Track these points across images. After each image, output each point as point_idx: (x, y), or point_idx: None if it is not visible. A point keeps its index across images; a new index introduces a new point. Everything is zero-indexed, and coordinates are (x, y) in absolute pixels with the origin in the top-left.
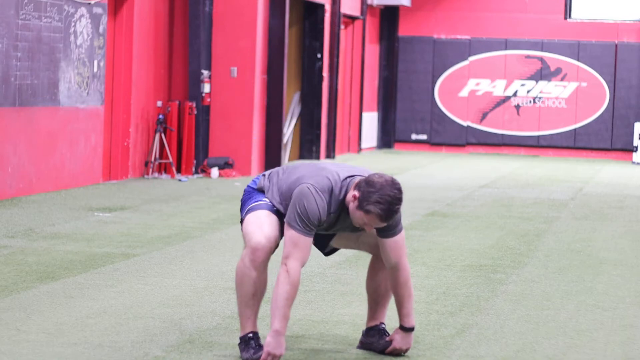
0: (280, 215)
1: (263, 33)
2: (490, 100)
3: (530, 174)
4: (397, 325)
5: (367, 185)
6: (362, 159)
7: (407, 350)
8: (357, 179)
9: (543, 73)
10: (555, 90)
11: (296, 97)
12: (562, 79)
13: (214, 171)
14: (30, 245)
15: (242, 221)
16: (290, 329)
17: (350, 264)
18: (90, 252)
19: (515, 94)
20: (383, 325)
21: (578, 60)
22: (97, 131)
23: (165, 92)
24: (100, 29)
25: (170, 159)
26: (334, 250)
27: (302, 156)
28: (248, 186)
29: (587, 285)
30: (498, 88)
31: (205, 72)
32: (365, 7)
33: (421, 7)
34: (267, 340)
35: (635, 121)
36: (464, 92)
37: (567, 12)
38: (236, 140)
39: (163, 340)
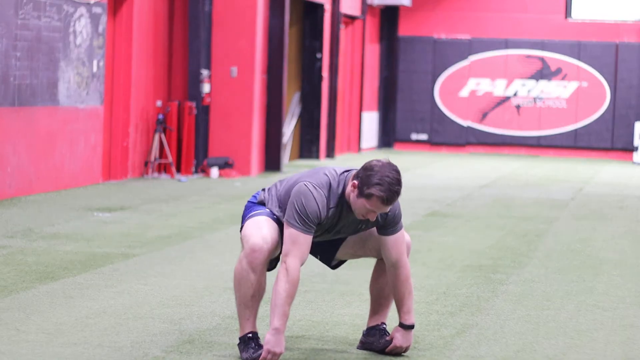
0: (280, 223)
1: (263, 33)
2: (491, 100)
3: (531, 174)
4: (397, 325)
5: (365, 170)
6: (362, 159)
7: (407, 348)
8: (354, 172)
9: (543, 73)
10: (555, 90)
11: (296, 97)
12: (562, 79)
13: (214, 171)
14: (30, 245)
15: (241, 229)
16: (290, 329)
17: (350, 264)
18: (89, 252)
19: (515, 94)
20: (384, 326)
21: (579, 60)
22: (96, 131)
23: (164, 92)
24: (100, 29)
25: (170, 159)
26: (341, 262)
27: (302, 156)
28: (248, 201)
29: (587, 286)
30: (498, 88)
31: (205, 72)
32: (365, 7)
33: (421, 7)
34: (267, 338)
35: (636, 121)
36: (464, 92)
37: (568, 12)
38: (236, 140)
39: (163, 340)
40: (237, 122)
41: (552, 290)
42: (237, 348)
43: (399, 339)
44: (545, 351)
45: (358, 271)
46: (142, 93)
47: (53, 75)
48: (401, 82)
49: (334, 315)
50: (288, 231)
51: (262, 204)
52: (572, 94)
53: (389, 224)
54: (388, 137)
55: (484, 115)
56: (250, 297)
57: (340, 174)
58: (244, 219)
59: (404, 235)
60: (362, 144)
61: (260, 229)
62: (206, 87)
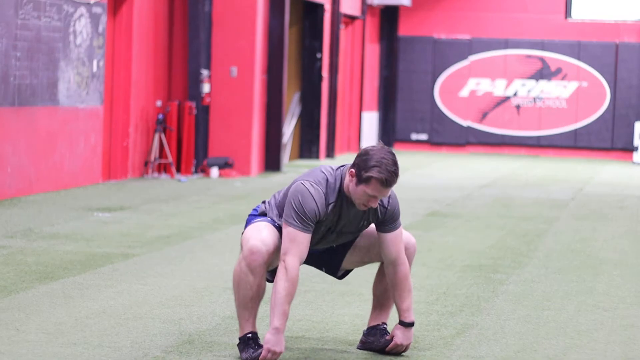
0: (281, 230)
1: (263, 33)
2: (491, 100)
3: (531, 174)
4: (397, 323)
5: (361, 156)
6: None
7: (408, 346)
8: (350, 164)
9: (543, 73)
10: (555, 90)
11: (296, 97)
12: (562, 79)
13: (214, 171)
14: (30, 245)
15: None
16: (290, 329)
17: None
18: (89, 252)
19: (515, 94)
20: (385, 326)
21: (579, 60)
22: (96, 131)
23: (164, 92)
24: (100, 29)
25: (170, 159)
26: (347, 272)
27: (302, 156)
28: (249, 215)
29: (587, 286)
30: (498, 88)
31: (204, 72)
32: (365, 7)
33: (421, 7)
34: (267, 337)
35: (636, 121)
36: (464, 92)
37: (568, 12)
38: (236, 140)
39: (162, 340)
40: (237, 122)
41: (552, 290)
42: (237, 348)
43: (399, 337)
44: (545, 351)
45: (358, 271)
46: (142, 93)
47: (53, 75)
48: (401, 82)
49: (334, 315)
50: (286, 230)
51: (263, 215)
52: (572, 94)
53: (388, 220)
54: (388, 137)
55: (484, 115)
56: (249, 299)
57: (337, 169)
58: (244, 228)
59: (402, 233)
60: (362, 144)
61: (260, 232)
62: (206, 87)
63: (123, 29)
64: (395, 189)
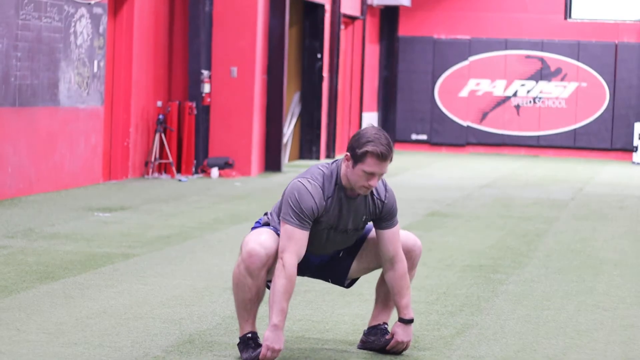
0: None
1: (263, 33)
2: (491, 100)
3: (531, 174)
4: (396, 321)
5: (353, 138)
6: None
7: (408, 343)
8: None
9: (543, 73)
10: (555, 91)
11: (296, 97)
12: (562, 79)
13: (214, 171)
14: (30, 245)
15: None
16: (290, 328)
17: None
18: (90, 252)
19: (515, 94)
20: (385, 326)
21: (578, 60)
22: (97, 131)
23: (165, 92)
24: (101, 29)
25: (170, 159)
26: (354, 281)
27: (302, 156)
28: (252, 227)
29: (587, 286)
30: (498, 88)
31: (205, 72)
32: (365, 7)
33: (421, 7)
34: (266, 334)
35: (636, 121)
36: (464, 92)
37: (567, 12)
38: (236, 140)
39: (163, 340)
40: (237, 122)
41: (552, 290)
42: (237, 348)
43: (400, 334)
44: (545, 351)
45: None
46: (142, 93)
47: (54, 76)
48: (401, 82)
49: (334, 315)
50: (284, 228)
51: (266, 225)
52: (571, 94)
53: (385, 216)
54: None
55: (484, 115)
56: (248, 301)
57: (332, 162)
58: None
59: (399, 231)
60: None
61: (259, 236)
62: (206, 87)
63: (124, 29)
64: (395, 189)
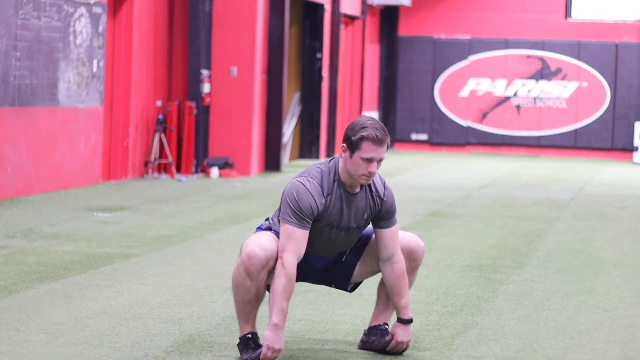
0: None
1: (263, 33)
2: (491, 100)
3: (531, 174)
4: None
5: (347, 128)
6: None
7: (408, 343)
8: None
9: (543, 73)
10: (555, 90)
11: (296, 97)
12: (562, 79)
13: (214, 171)
14: (30, 245)
15: None
16: (290, 329)
17: None
18: (89, 252)
19: (515, 94)
20: (385, 326)
21: (579, 60)
22: (96, 131)
23: (164, 92)
24: (100, 29)
25: (170, 159)
26: (357, 285)
27: (302, 156)
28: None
29: (587, 286)
30: (498, 88)
31: (205, 72)
32: (365, 7)
33: (421, 7)
34: (266, 334)
35: (636, 121)
36: (464, 92)
37: (568, 12)
38: (236, 140)
39: (163, 340)
40: (237, 122)
41: (552, 290)
42: (237, 348)
43: (400, 335)
44: (545, 351)
45: None
46: (142, 93)
47: (53, 75)
48: (401, 82)
49: (334, 315)
50: (283, 227)
51: (268, 230)
52: (572, 94)
53: (384, 214)
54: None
55: (484, 115)
56: (247, 302)
57: (330, 160)
58: None
59: (397, 231)
60: None
61: (259, 238)
62: (206, 87)
63: (123, 29)
64: (395, 189)
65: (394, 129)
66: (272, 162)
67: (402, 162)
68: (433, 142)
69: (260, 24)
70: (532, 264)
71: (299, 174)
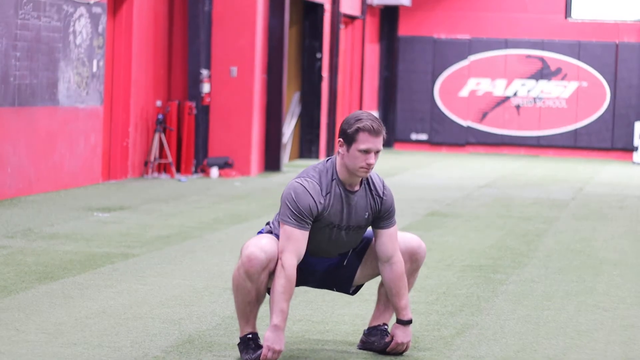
0: None
1: (263, 33)
2: (491, 100)
3: (531, 174)
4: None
5: (342, 123)
6: None
7: (408, 344)
8: None
9: (543, 73)
10: (555, 90)
11: (296, 97)
12: (562, 79)
13: (214, 171)
14: (30, 245)
15: None
16: (290, 329)
17: None
18: (89, 252)
19: (515, 94)
20: (385, 326)
21: (578, 60)
22: (96, 131)
23: (164, 92)
24: (100, 29)
25: (170, 159)
26: (358, 288)
27: (302, 156)
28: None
29: (587, 286)
30: (498, 88)
31: (204, 72)
32: (365, 7)
33: (421, 7)
34: (266, 335)
35: (636, 121)
36: (464, 92)
37: (568, 11)
38: (236, 140)
39: (162, 340)
40: (237, 122)
41: (552, 290)
42: (237, 348)
43: (399, 336)
44: (545, 351)
45: None
46: (142, 93)
47: (53, 75)
48: (401, 82)
49: (334, 315)
50: (282, 229)
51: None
52: (572, 94)
53: (384, 214)
54: (388, 137)
55: (484, 115)
56: (248, 303)
57: (327, 160)
58: None
59: (397, 231)
60: None
61: (260, 240)
62: (206, 87)
63: (123, 29)
64: (395, 189)
65: (394, 129)
66: (272, 162)
67: (402, 162)
68: (433, 142)
69: (260, 23)
70: (532, 264)
71: (297, 176)
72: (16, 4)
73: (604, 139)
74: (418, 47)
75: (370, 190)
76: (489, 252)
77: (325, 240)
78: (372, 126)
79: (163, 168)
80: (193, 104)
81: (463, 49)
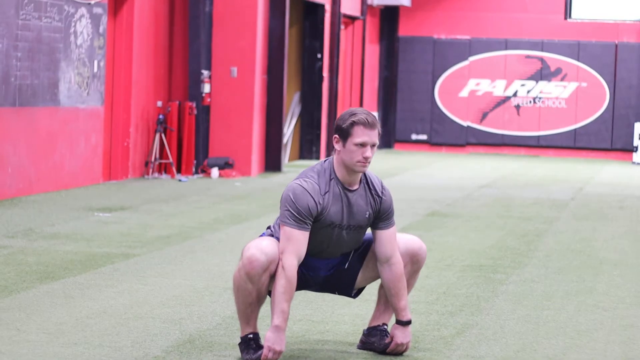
0: None
1: (263, 33)
2: (491, 100)
3: (531, 174)
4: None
5: (337, 120)
6: None
7: (408, 344)
8: None
9: (543, 73)
10: (555, 91)
11: (296, 97)
12: (562, 79)
13: (214, 171)
14: (30, 245)
15: None
16: (290, 328)
17: None
18: (90, 252)
19: (515, 94)
20: (385, 327)
21: (578, 60)
22: (97, 131)
23: (165, 92)
24: (101, 29)
25: (171, 159)
26: (360, 290)
27: (302, 156)
28: None
29: (587, 286)
30: (498, 88)
31: (205, 72)
32: (365, 7)
33: (421, 7)
34: (267, 335)
35: (636, 121)
36: (464, 92)
37: (567, 12)
38: (236, 140)
39: (163, 340)
40: (237, 122)
41: (552, 290)
42: (237, 348)
43: (399, 337)
44: (545, 351)
45: None
46: (142, 93)
47: (54, 76)
48: (401, 82)
49: (334, 315)
50: (282, 230)
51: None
52: (571, 94)
53: (383, 214)
54: (388, 137)
55: (484, 115)
56: (249, 304)
57: (324, 161)
58: None
59: (396, 232)
60: None
61: (260, 242)
62: (206, 87)
63: (124, 29)
64: (395, 189)
65: (394, 129)
66: (272, 162)
67: (402, 162)
68: (433, 142)
69: (261, 24)
70: (532, 264)
71: (295, 177)
72: (17, 4)
73: (603, 139)
74: (418, 48)
75: (370, 189)
76: (489, 252)
77: (327, 240)
78: (367, 119)
79: (164, 168)
80: (193, 105)
81: (463, 50)
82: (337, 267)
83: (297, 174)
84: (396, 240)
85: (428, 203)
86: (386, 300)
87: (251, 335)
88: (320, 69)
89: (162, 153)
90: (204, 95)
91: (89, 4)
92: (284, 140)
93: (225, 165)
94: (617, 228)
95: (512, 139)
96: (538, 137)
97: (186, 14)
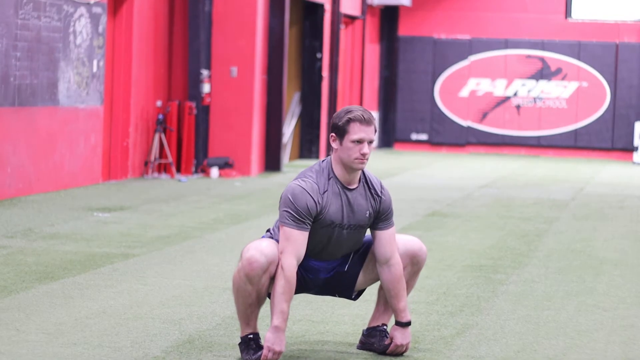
0: None
1: (263, 33)
2: (491, 100)
3: (531, 174)
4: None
5: (332, 118)
6: None
7: (408, 345)
8: None
9: (544, 73)
10: (555, 90)
11: (296, 97)
12: (562, 79)
13: (214, 171)
14: (30, 245)
15: None
16: (290, 329)
17: None
18: (89, 252)
19: (515, 94)
20: (384, 327)
21: (579, 60)
22: (96, 131)
23: (165, 92)
24: (100, 29)
25: (170, 159)
26: (360, 292)
27: (302, 156)
28: None
29: (587, 286)
30: (498, 88)
31: (205, 72)
32: (365, 7)
33: (421, 7)
34: (267, 336)
35: (636, 121)
36: (464, 92)
37: (568, 12)
38: (236, 140)
39: (163, 340)
40: (237, 122)
41: (552, 290)
42: (237, 348)
43: (399, 338)
44: (545, 351)
45: None
46: (142, 93)
47: (53, 76)
48: (401, 82)
49: (334, 315)
50: (282, 230)
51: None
52: (572, 94)
53: (383, 215)
54: (388, 137)
55: (484, 115)
56: (248, 305)
57: (322, 161)
58: None
59: (395, 233)
60: None
61: (260, 243)
62: (206, 87)
63: (123, 29)
64: (395, 189)
65: (394, 129)
66: (272, 162)
67: (402, 162)
68: (433, 142)
69: (260, 24)
70: (532, 264)
71: (294, 178)
72: (16, 4)
73: (604, 139)
74: (418, 47)
75: (369, 188)
76: (489, 252)
77: (327, 240)
78: (363, 116)
79: (163, 168)
80: (193, 104)
81: (463, 49)
82: (337, 270)
83: (297, 173)
84: (395, 241)
85: (428, 203)
86: (386, 301)
87: (251, 336)
88: (320, 68)
89: (162, 153)
90: (203, 95)
91: (88, 3)
92: (284, 140)
93: (225, 165)
94: (618, 228)
95: (513, 139)
96: (538, 137)
97: (186, 13)
